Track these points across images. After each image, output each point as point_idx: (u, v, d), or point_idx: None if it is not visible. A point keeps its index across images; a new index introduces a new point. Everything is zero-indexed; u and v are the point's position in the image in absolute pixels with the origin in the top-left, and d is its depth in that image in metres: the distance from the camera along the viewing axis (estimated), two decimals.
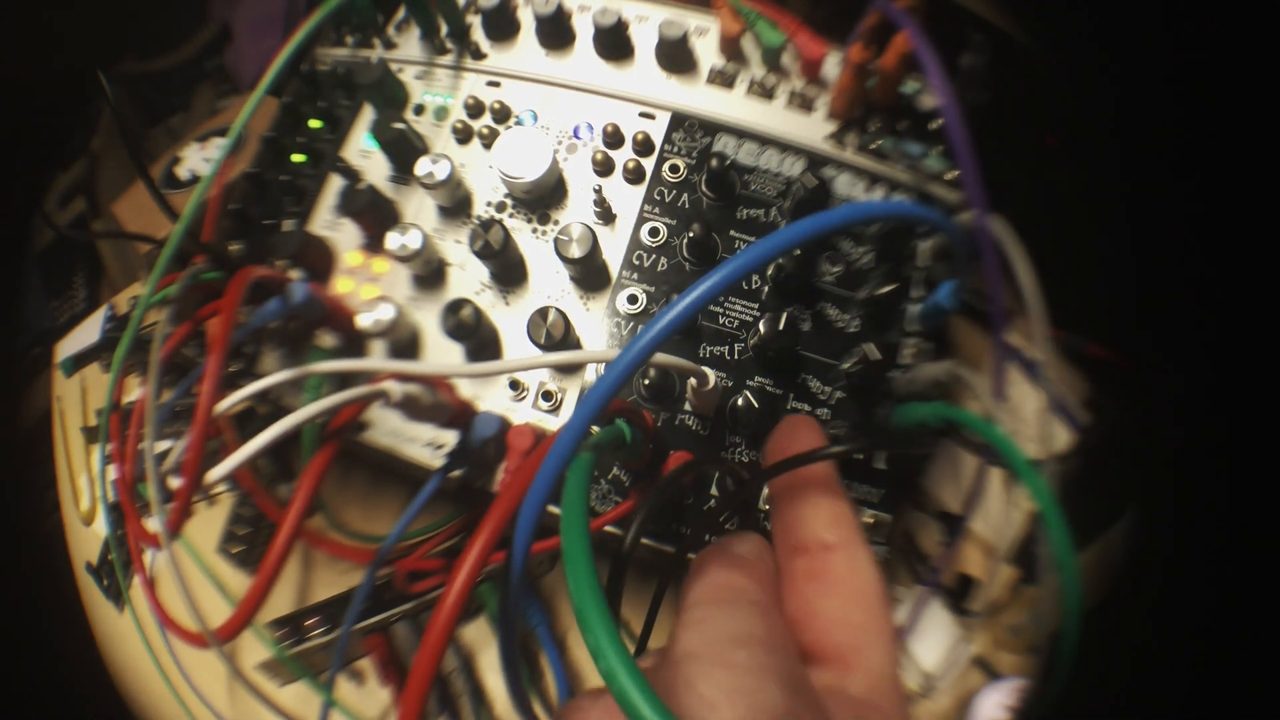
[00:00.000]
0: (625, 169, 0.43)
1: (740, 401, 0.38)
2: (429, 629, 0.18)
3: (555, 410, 0.41)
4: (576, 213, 0.43)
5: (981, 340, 0.47)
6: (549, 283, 0.43)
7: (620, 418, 0.32)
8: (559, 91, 0.46)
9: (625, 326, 0.41)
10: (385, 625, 0.46)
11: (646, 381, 0.39)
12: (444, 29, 0.47)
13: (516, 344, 0.42)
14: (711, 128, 0.44)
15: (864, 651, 0.20)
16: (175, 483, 0.29)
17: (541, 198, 0.44)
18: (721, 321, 0.41)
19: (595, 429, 0.31)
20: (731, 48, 0.44)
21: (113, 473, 0.55)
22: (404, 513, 0.36)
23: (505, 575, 0.21)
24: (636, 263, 0.42)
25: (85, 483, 0.59)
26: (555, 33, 0.45)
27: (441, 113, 0.47)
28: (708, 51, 0.45)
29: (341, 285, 0.45)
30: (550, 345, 0.39)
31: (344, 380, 0.42)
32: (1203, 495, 0.39)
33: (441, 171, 0.41)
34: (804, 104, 0.43)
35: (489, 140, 0.45)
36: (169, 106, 0.78)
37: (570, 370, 0.41)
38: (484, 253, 0.40)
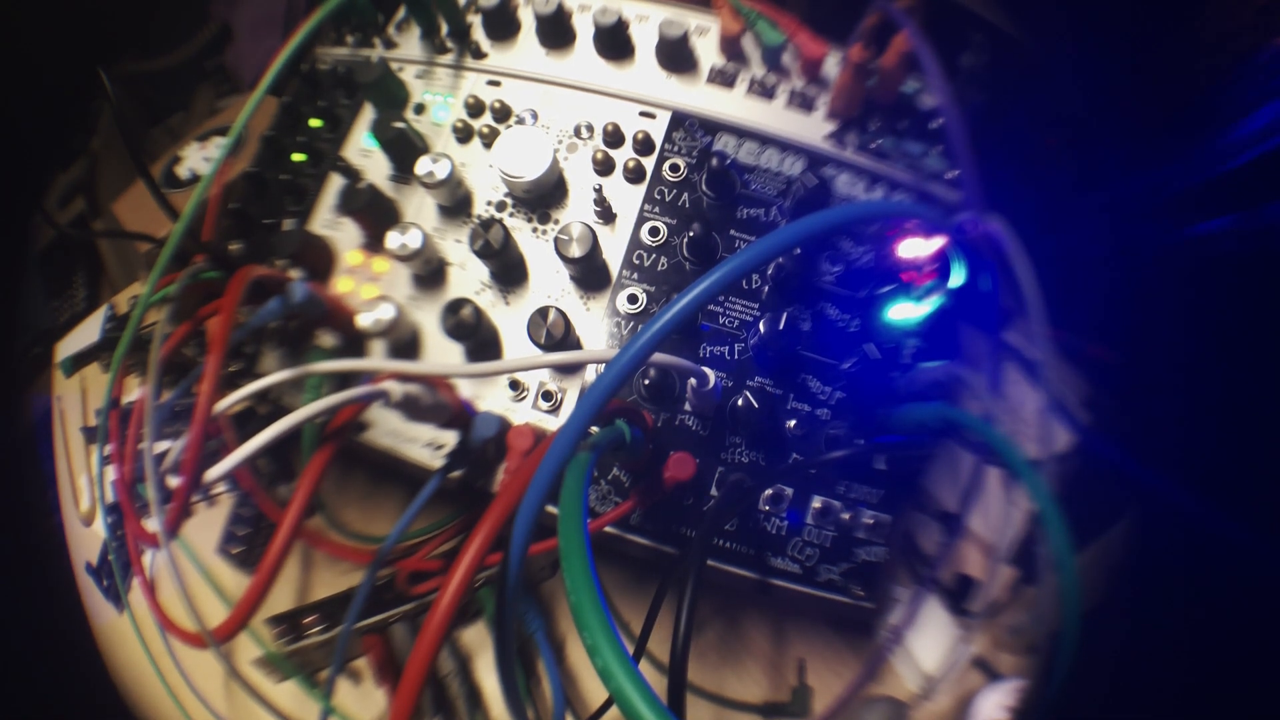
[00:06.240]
0: (625, 168, 0.43)
1: (740, 401, 0.38)
2: (423, 630, 0.18)
3: (555, 410, 0.41)
4: (577, 212, 0.43)
5: (981, 340, 0.47)
6: (549, 282, 0.43)
7: (620, 418, 0.32)
8: (559, 91, 0.46)
9: (625, 326, 0.41)
10: (384, 626, 0.46)
11: (646, 381, 0.39)
12: (444, 28, 0.47)
13: (516, 344, 0.42)
14: (712, 127, 0.44)
15: None
16: (174, 482, 0.29)
17: (542, 197, 0.44)
18: (721, 321, 0.41)
19: (595, 429, 0.31)
20: (732, 47, 0.44)
21: (112, 473, 0.55)
22: (404, 513, 0.36)
23: (502, 575, 0.21)
24: (637, 262, 0.42)
25: (85, 483, 0.59)
26: (556, 32, 0.45)
27: (442, 112, 0.47)
28: (708, 51, 0.45)
29: (341, 285, 0.45)
30: (550, 345, 0.39)
31: (344, 380, 0.42)
32: (1201, 495, 0.39)
33: (442, 171, 0.41)
34: (804, 103, 0.43)
35: (489, 139, 0.45)
36: (169, 106, 0.78)
37: (570, 370, 0.41)
38: (484, 252, 0.40)
